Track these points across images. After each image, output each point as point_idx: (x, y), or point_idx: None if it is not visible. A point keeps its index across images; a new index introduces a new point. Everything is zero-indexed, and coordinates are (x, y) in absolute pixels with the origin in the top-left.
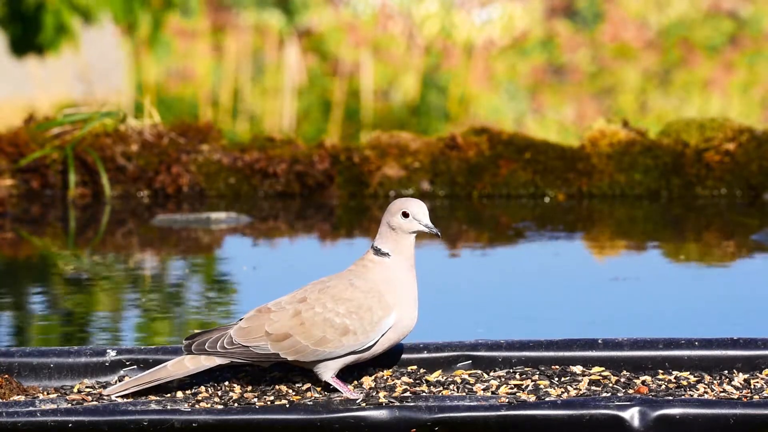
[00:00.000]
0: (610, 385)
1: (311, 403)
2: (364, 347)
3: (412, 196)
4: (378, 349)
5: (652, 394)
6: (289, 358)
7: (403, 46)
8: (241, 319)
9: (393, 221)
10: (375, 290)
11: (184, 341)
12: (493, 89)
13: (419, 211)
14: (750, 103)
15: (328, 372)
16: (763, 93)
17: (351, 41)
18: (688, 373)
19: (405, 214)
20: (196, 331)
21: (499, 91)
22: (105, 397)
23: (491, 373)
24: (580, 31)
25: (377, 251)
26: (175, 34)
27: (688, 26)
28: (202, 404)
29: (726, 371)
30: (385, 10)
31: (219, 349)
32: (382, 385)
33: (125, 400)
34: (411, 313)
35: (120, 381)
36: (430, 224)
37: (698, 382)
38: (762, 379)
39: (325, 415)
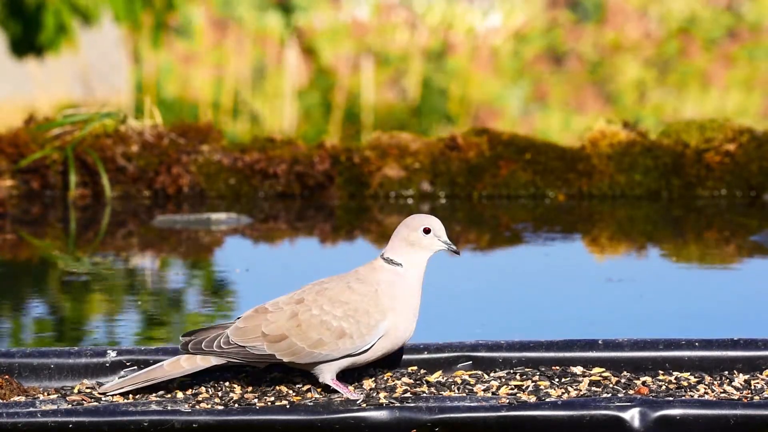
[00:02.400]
0: (611, 385)
1: (311, 403)
2: (360, 351)
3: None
4: (372, 356)
5: (653, 394)
6: (285, 360)
7: (406, 37)
8: (238, 318)
9: (412, 236)
10: (372, 293)
11: (181, 338)
12: (496, 78)
13: (440, 228)
14: (748, 98)
15: (325, 374)
16: (763, 87)
17: (352, 40)
18: (689, 373)
19: (426, 230)
20: (195, 328)
21: (502, 81)
22: (100, 395)
23: (491, 374)
24: (581, 22)
25: (388, 261)
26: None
27: (689, 19)
28: (202, 405)
29: (726, 372)
30: (387, 8)
31: (215, 349)
32: (383, 385)
33: (125, 400)
34: (407, 324)
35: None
36: (449, 241)
37: (699, 382)
38: (762, 379)
39: (325, 416)
